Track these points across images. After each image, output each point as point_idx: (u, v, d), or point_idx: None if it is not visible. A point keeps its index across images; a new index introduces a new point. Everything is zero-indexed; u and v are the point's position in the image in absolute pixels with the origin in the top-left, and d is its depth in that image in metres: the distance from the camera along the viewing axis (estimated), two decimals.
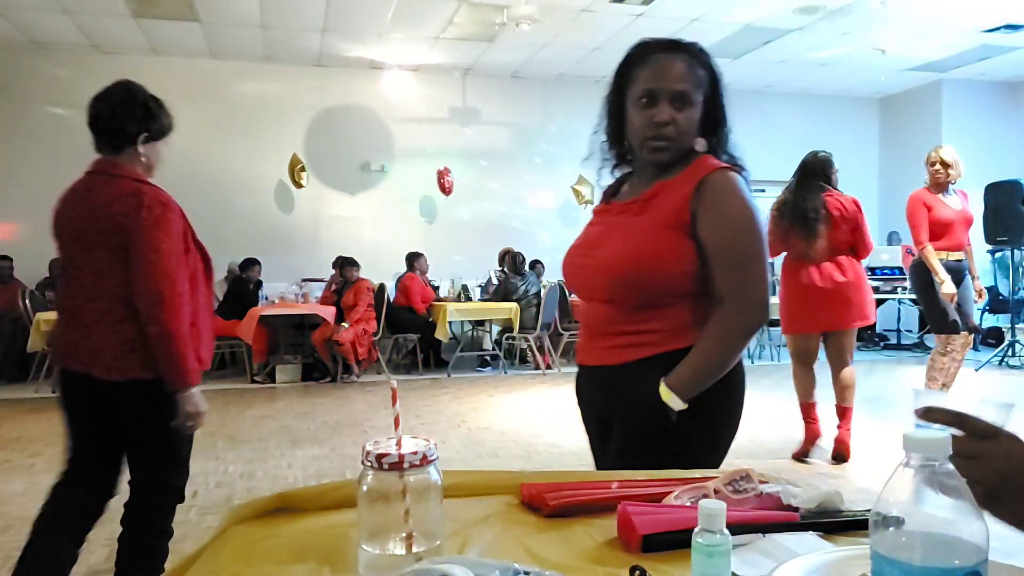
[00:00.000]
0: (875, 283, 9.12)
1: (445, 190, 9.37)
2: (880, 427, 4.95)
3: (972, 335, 4.88)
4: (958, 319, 4.74)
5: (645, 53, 1.49)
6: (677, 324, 1.45)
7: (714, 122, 1.51)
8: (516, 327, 7.97)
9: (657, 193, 1.47)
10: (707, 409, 1.42)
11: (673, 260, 1.42)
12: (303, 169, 8.97)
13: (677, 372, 1.40)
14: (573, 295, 9.01)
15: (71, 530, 2.16)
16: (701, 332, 1.43)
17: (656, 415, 1.41)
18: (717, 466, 1.45)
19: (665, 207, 1.45)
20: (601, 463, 1.62)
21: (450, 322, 7.99)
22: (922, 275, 4.80)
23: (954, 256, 4.81)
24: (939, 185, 4.81)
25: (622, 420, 1.49)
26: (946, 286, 4.63)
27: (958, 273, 4.80)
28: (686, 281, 1.43)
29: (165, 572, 2.30)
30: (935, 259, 4.68)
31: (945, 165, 4.75)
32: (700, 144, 1.49)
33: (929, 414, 0.77)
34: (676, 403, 1.39)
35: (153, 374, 2.04)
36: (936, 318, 4.81)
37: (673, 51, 1.47)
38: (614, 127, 1.58)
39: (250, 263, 8.19)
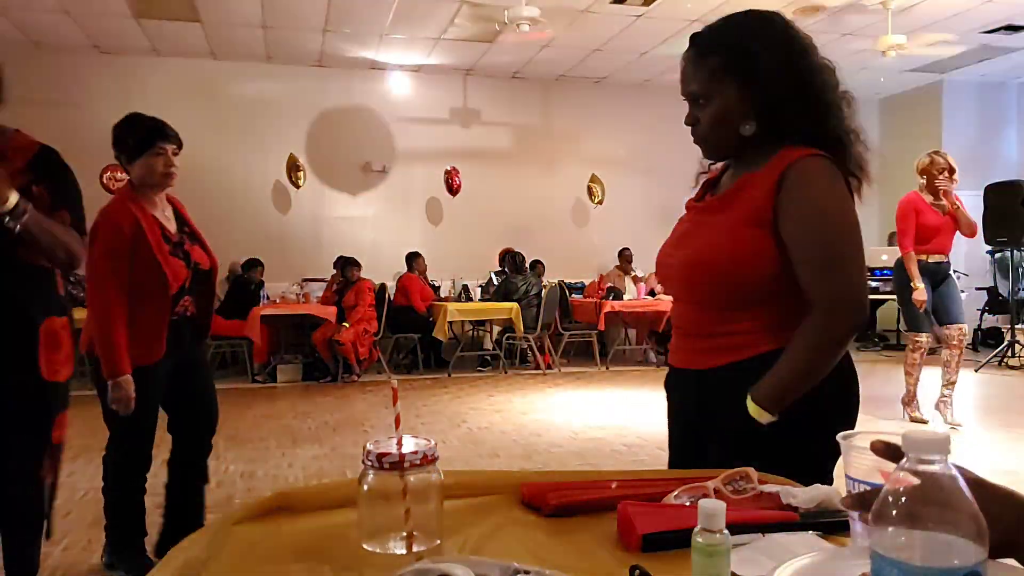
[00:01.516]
0: (875, 283, 9.13)
1: (453, 190, 9.38)
2: (879, 427, 4.95)
3: (960, 333, 5.13)
4: (925, 319, 5.06)
5: None
6: (767, 324, 1.35)
7: (773, 99, 1.34)
8: (519, 328, 7.95)
9: (742, 187, 1.38)
10: (818, 415, 1.30)
11: (752, 261, 1.32)
12: (300, 169, 8.98)
13: (764, 385, 1.29)
14: (574, 294, 9.01)
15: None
16: (792, 335, 1.31)
17: (750, 424, 1.30)
18: (831, 474, 1.29)
19: (746, 203, 1.35)
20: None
21: (450, 322, 8.00)
22: (902, 274, 5.08)
23: (933, 259, 5.04)
24: (935, 191, 4.97)
25: (715, 430, 1.38)
26: (918, 293, 4.94)
27: (935, 275, 5.04)
28: (770, 282, 1.33)
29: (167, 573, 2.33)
30: (914, 265, 4.97)
31: (952, 171, 4.93)
32: (745, 128, 1.37)
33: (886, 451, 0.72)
34: (764, 417, 1.29)
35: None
36: (907, 316, 5.17)
37: (687, 50, 1.42)
38: None
39: (253, 263, 8.19)
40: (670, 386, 1.55)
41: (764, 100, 1.35)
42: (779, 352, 1.32)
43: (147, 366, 2.52)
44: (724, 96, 1.37)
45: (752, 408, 1.30)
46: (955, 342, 5.04)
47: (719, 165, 1.54)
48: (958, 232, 5.05)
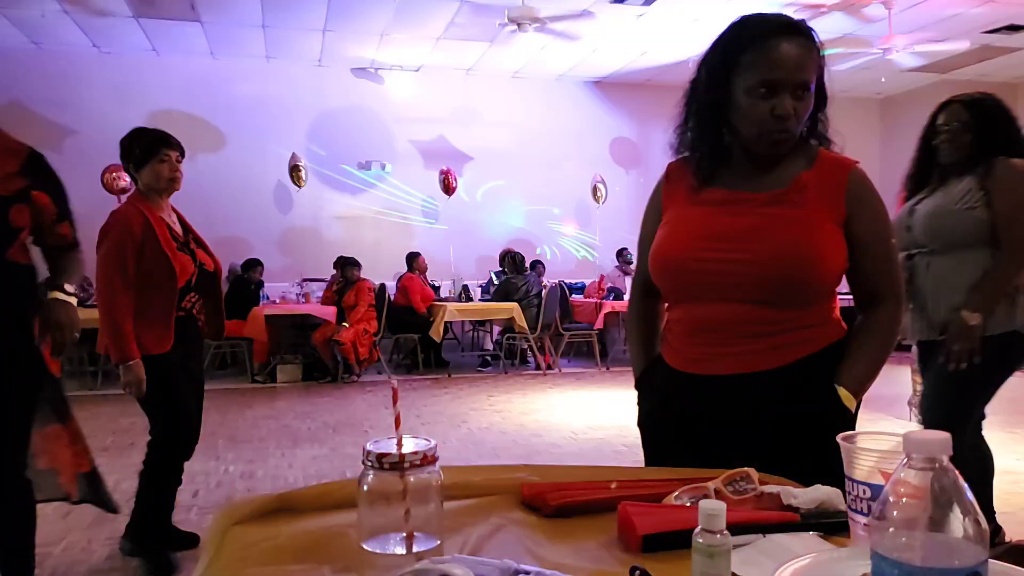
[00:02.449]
0: None
1: (448, 190, 9.39)
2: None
3: None
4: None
5: (756, 37, 1.33)
6: (825, 319, 1.40)
7: (823, 97, 1.42)
8: (524, 327, 7.93)
9: (806, 185, 1.37)
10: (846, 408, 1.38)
11: (836, 255, 1.36)
12: (301, 169, 8.98)
13: (852, 373, 1.35)
14: (574, 294, 9.00)
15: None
16: (863, 329, 1.41)
17: (835, 415, 1.33)
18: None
19: (822, 200, 1.36)
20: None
21: (450, 322, 7.99)
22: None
23: None
24: None
25: (791, 425, 1.33)
26: None
27: None
28: (838, 276, 1.39)
29: None
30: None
31: None
32: (821, 121, 1.45)
33: None
34: (853, 405, 1.35)
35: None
36: None
37: (790, 35, 1.32)
38: (710, 114, 1.42)
39: (253, 264, 8.19)
40: (687, 395, 1.41)
41: (819, 98, 1.41)
42: (838, 344, 1.39)
43: (161, 355, 2.68)
44: (812, 95, 1.38)
45: (845, 396, 1.34)
46: None
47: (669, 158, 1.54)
48: None
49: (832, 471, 1.11)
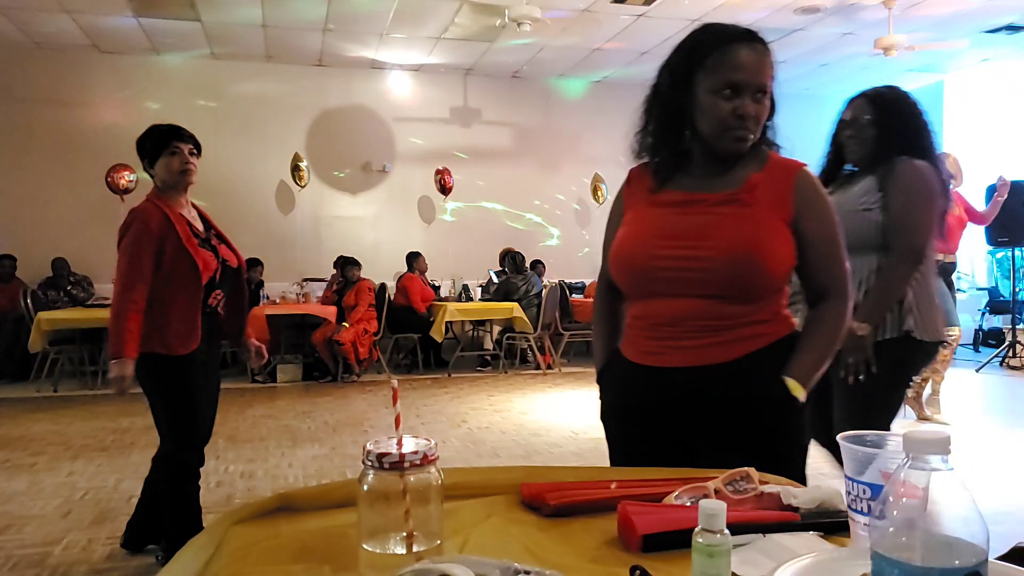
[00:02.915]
0: None
1: (445, 190, 9.39)
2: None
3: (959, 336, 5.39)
4: (955, 312, 5.13)
5: (721, 42, 1.42)
6: (776, 312, 1.46)
7: (773, 104, 1.49)
8: (526, 326, 7.93)
9: (756, 185, 1.44)
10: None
11: (786, 252, 1.42)
12: (302, 169, 8.98)
13: (800, 365, 1.42)
14: (574, 294, 9.00)
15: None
16: (810, 324, 1.47)
17: (784, 406, 1.41)
18: (805, 457, 1.48)
19: (770, 199, 1.43)
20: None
21: (450, 322, 7.98)
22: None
23: (948, 259, 5.16)
24: None
25: (743, 417, 1.40)
26: None
27: (947, 275, 5.15)
28: (787, 272, 1.45)
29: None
30: None
31: (951, 178, 5.08)
32: (770, 127, 1.52)
33: None
34: (802, 396, 1.41)
35: (143, 349, 2.55)
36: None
37: (753, 42, 1.42)
38: (672, 115, 1.48)
39: (253, 263, 8.19)
40: (645, 386, 1.47)
41: (771, 105, 1.47)
42: (790, 337, 1.46)
43: (186, 355, 2.61)
44: (770, 94, 1.45)
45: (793, 386, 1.40)
46: (952, 345, 5.28)
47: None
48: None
49: (785, 456, 1.25)
